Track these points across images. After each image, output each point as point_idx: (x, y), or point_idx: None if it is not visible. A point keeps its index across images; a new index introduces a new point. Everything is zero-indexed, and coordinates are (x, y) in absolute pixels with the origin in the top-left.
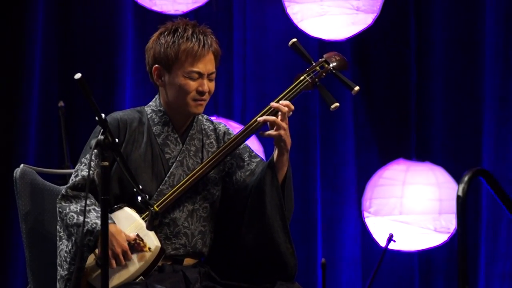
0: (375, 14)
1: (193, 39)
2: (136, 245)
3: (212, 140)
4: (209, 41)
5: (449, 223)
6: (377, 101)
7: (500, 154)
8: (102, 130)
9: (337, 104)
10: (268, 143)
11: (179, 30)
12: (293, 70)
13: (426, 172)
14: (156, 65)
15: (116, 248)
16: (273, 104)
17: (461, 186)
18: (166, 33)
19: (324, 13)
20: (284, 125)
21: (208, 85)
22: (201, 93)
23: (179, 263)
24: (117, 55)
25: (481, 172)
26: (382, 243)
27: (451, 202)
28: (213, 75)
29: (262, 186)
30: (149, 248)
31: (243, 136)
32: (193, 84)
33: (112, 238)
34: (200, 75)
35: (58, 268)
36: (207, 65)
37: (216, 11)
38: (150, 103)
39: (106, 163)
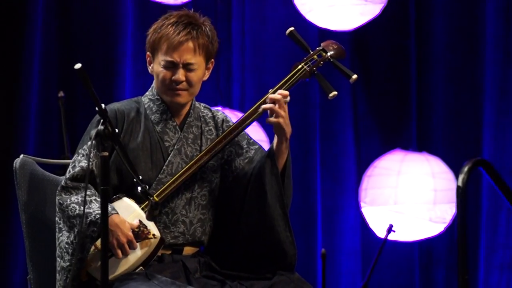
0: (383, 4)
1: (173, 27)
2: (140, 233)
3: (211, 127)
4: (191, 31)
5: (445, 213)
6: (378, 92)
7: (500, 144)
8: (102, 120)
9: (335, 92)
10: (273, 133)
11: (169, 18)
12: (291, 60)
13: (421, 162)
14: (148, 53)
15: (121, 237)
16: (269, 98)
17: (461, 176)
18: (158, 21)
19: (333, 4)
20: (282, 112)
21: (186, 75)
22: (175, 82)
23: (178, 253)
24: (117, 46)
25: (481, 162)
26: (379, 233)
27: (447, 192)
28: (193, 66)
29: (261, 174)
30: (154, 235)
31: (243, 125)
32: (167, 74)
33: (116, 229)
34: (174, 64)
35: (58, 259)
36: (182, 54)
37: (215, 1)
38: (147, 93)
39: (106, 153)
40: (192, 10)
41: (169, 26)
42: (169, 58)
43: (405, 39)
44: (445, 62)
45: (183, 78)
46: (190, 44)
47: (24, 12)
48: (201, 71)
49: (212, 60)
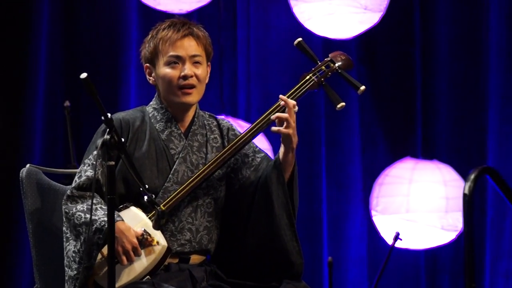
0: (382, 13)
1: (170, 28)
2: (144, 240)
3: (216, 135)
4: (187, 27)
5: (456, 221)
6: (383, 100)
7: (504, 151)
8: (107, 129)
9: (343, 103)
10: (276, 142)
11: (158, 27)
12: (296, 68)
13: (432, 170)
14: (146, 64)
15: (126, 244)
16: (282, 96)
17: (468, 184)
18: (149, 34)
19: (332, 12)
20: (293, 123)
21: (193, 70)
22: (184, 77)
23: (185, 262)
24: (121, 55)
25: (487, 170)
26: (390, 241)
27: (458, 200)
28: (197, 58)
29: (268, 184)
30: (157, 242)
31: (252, 134)
32: (175, 72)
33: (121, 235)
34: (179, 59)
35: (66, 269)
36: (186, 48)
37: (220, 10)
38: (151, 102)
39: (112, 163)
40: (197, 20)
41: (165, 30)
42: (174, 53)
43: (409, 47)
44: (450, 70)
45: (192, 73)
46: (191, 38)
47: (30, 22)
48: (205, 68)
49: (209, 63)
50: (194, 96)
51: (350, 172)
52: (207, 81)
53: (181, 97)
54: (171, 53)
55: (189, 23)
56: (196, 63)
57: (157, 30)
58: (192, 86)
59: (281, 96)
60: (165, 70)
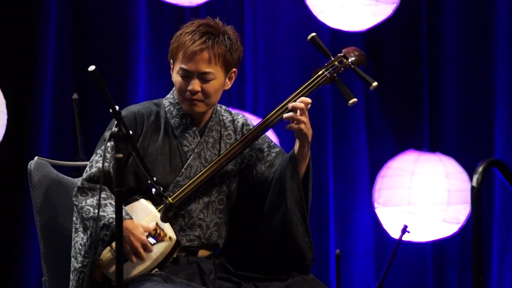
0: (395, 5)
1: (190, 35)
2: (156, 236)
3: (230, 131)
4: (206, 40)
5: (459, 214)
6: (390, 93)
7: None
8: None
9: (355, 99)
10: (283, 135)
11: (189, 26)
12: (304, 62)
13: (435, 163)
14: (170, 60)
15: (134, 243)
16: (290, 105)
17: (476, 176)
18: (179, 29)
19: (345, 5)
20: (304, 119)
21: (201, 86)
22: (191, 92)
23: (193, 255)
24: (130, 47)
25: (495, 162)
26: (393, 233)
27: (460, 192)
28: (208, 76)
29: (282, 179)
30: (170, 237)
31: (261, 130)
32: (183, 83)
33: (129, 234)
34: (189, 73)
35: (72, 259)
36: (197, 64)
37: (228, 3)
38: (168, 96)
39: (120, 155)
40: (208, 14)
41: (187, 35)
42: (184, 67)
43: (417, 40)
44: (457, 63)
45: (198, 89)
46: (205, 54)
47: (37, 15)
48: (218, 81)
49: (234, 69)
50: (200, 107)
51: (357, 165)
52: (228, 87)
53: (187, 107)
54: (182, 66)
55: (211, 32)
56: (205, 80)
57: (182, 31)
58: (198, 100)
59: (290, 104)
60: (176, 77)
